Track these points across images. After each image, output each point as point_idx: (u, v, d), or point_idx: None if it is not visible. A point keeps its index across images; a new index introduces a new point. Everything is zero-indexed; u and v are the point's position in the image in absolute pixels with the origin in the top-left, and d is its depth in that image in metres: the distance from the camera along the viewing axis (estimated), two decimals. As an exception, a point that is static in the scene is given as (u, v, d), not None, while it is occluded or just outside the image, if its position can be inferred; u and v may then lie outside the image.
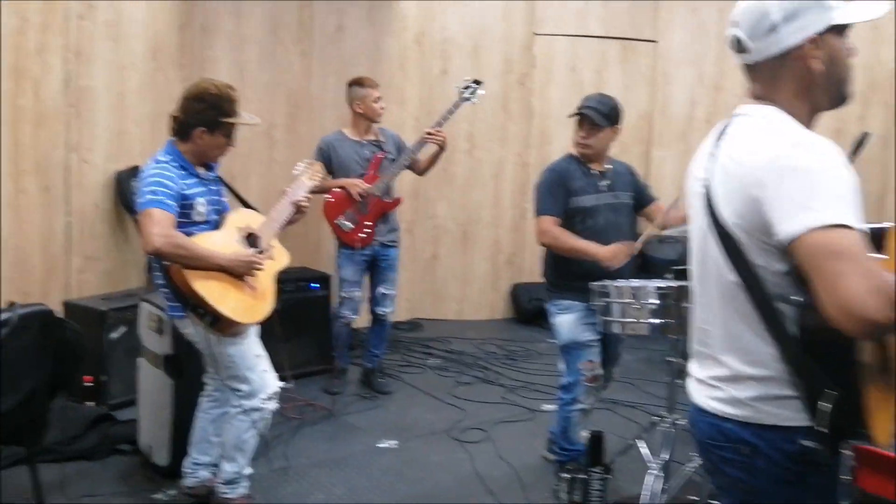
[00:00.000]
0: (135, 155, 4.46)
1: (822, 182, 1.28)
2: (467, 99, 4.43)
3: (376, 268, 4.44)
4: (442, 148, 4.36)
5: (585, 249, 3.07)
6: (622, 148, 6.14)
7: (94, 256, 4.37)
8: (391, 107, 5.73)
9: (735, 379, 1.46)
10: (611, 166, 3.29)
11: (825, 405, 1.31)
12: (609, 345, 3.29)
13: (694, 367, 1.61)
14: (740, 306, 1.43)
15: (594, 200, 3.19)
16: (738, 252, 1.41)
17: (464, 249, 6.30)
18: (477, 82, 4.47)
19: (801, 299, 1.34)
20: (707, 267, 1.52)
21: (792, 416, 1.39)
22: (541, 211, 3.17)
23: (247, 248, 2.82)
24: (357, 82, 4.41)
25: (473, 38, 6.10)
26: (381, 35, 5.72)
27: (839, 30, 1.44)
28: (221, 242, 2.76)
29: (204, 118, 2.73)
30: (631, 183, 3.33)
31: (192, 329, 2.80)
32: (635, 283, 2.99)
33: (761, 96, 1.50)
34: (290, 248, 5.28)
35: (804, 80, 1.44)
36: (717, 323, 1.51)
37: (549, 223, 3.13)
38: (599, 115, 3.14)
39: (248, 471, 2.93)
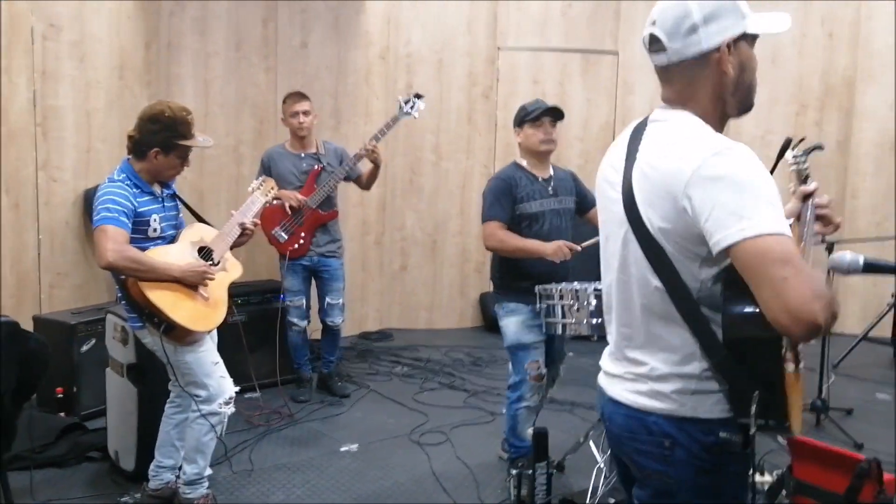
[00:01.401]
0: (103, 172, 4.50)
1: (750, 190, 1.31)
2: (407, 114, 4.41)
3: (320, 278, 4.53)
4: (376, 164, 4.39)
5: (530, 248, 3.22)
6: (586, 158, 6.33)
7: (65, 272, 4.47)
8: (356, 120, 5.88)
9: (657, 375, 1.48)
10: (554, 173, 3.44)
11: (752, 407, 1.37)
12: (554, 345, 3.44)
13: (607, 363, 1.65)
14: (663, 310, 1.46)
15: (539, 206, 3.33)
16: (662, 257, 1.43)
17: (432, 259, 6.42)
18: (418, 96, 4.45)
19: (728, 311, 1.38)
20: (629, 271, 1.52)
21: (711, 409, 1.44)
22: (487, 217, 3.32)
23: (200, 260, 2.95)
24: (285, 97, 4.53)
25: (438, 53, 6.23)
26: (345, 50, 5.82)
27: (749, 39, 1.48)
28: (175, 255, 2.89)
29: (158, 139, 2.87)
30: (573, 188, 3.49)
31: (150, 339, 2.93)
32: (576, 285, 3.15)
33: (674, 100, 1.52)
34: (256, 262, 5.39)
35: (719, 84, 1.47)
36: (637, 325, 1.52)
37: (495, 227, 3.28)
38: (559, 112, 3.32)
39: (208, 472, 3.06)
